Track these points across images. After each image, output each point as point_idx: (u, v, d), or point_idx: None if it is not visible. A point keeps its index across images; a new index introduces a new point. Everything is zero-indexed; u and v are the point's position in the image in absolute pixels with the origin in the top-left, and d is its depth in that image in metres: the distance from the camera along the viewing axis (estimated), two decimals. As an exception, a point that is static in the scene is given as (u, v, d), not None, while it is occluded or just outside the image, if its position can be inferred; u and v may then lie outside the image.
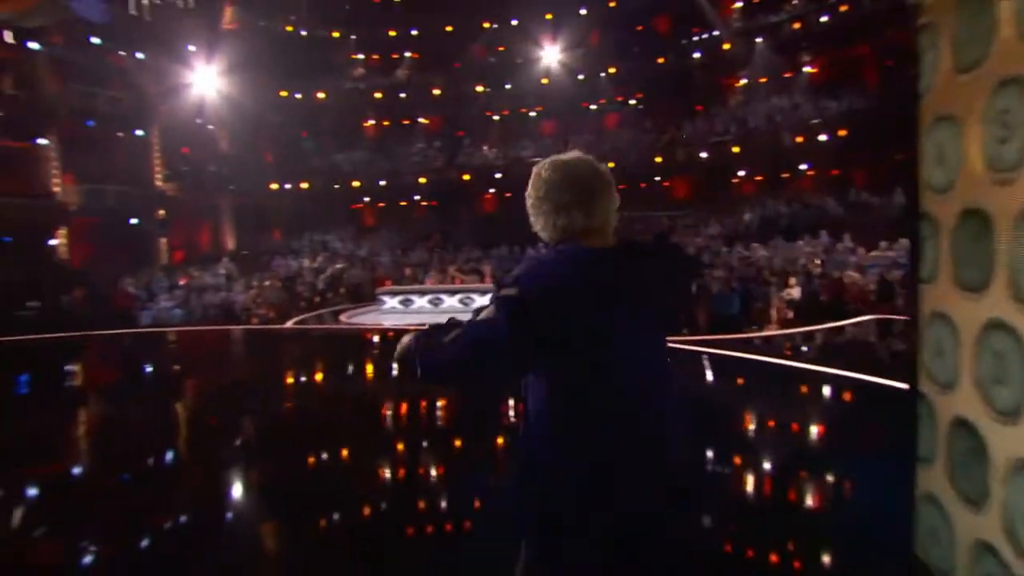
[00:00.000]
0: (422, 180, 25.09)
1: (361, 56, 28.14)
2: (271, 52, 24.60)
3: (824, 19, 19.12)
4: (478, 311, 1.23)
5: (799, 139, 20.05)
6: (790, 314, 10.66)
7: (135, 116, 19.62)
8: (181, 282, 15.57)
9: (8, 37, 16.03)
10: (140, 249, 19.80)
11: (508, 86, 26.13)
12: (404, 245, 22.98)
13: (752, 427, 5.31)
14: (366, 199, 27.68)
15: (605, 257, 1.24)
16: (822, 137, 19.76)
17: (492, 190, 27.54)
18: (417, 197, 28.23)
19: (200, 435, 5.69)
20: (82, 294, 15.53)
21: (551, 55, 25.45)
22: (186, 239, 22.70)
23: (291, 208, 25.49)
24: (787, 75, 22.61)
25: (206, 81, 21.89)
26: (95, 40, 18.31)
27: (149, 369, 9.91)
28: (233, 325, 13.53)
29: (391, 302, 14.36)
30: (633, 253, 1.27)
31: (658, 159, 22.44)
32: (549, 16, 25.35)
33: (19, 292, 15.56)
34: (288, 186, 23.69)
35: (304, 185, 24.07)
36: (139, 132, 20.06)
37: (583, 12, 25.08)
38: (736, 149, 20.92)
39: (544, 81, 25.22)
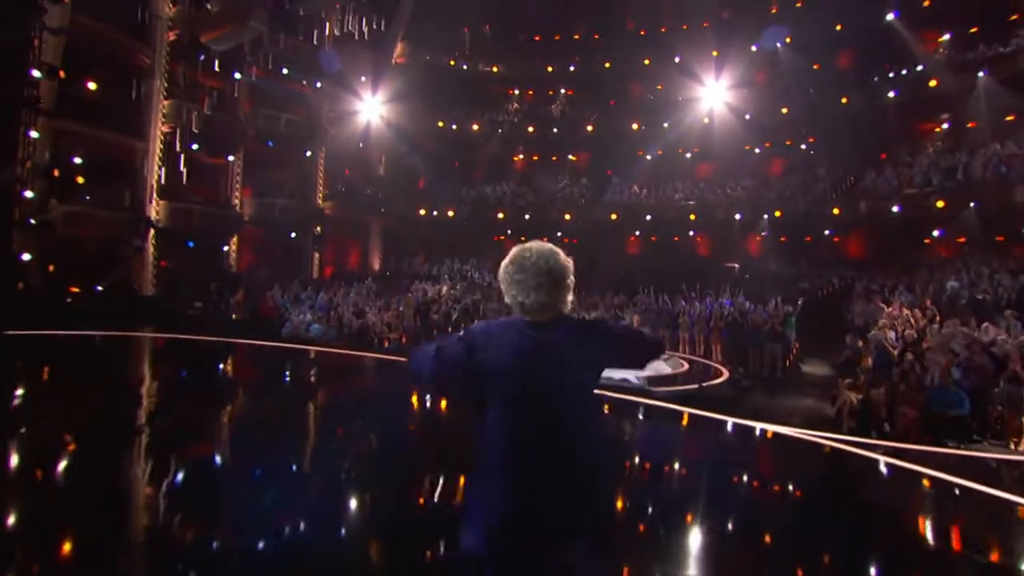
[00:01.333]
0: (567, 216, 24.37)
1: (516, 91, 28.59)
2: (433, 84, 25.73)
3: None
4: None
5: (1012, 197, 16.20)
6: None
7: (307, 138, 21.24)
8: (324, 298, 15.98)
9: (216, 66, 18.10)
10: (295, 261, 21.14)
11: (666, 125, 24.78)
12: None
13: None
14: (508, 231, 27.61)
15: (535, 329, 1.70)
16: None
17: (638, 232, 26.20)
18: (559, 233, 27.64)
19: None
20: (242, 298, 16.62)
21: (715, 93, 23.76)
22: (337, 256, 23.98)
23: (435, 234, 26.11)
24: (1009, 118, 18.81)
25: (372, 109, 23.26)
26: (285, 71, 20.13)
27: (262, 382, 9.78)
28: (365, 347, 13.37)
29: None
30: (560, 326, 1.73)
31: (836, 211, 19.54)
32: (715, 53, 23.77)
33: (192, 292, 17.11)
34: (435, 213, 24.23)
35: (451, 213, 24.44)
36: (308, 153, 21.63)
37: (754, 49, 23.15)
38: (940, 204, 17.51)
39: (705, 120, 23.49)
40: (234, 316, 16.29)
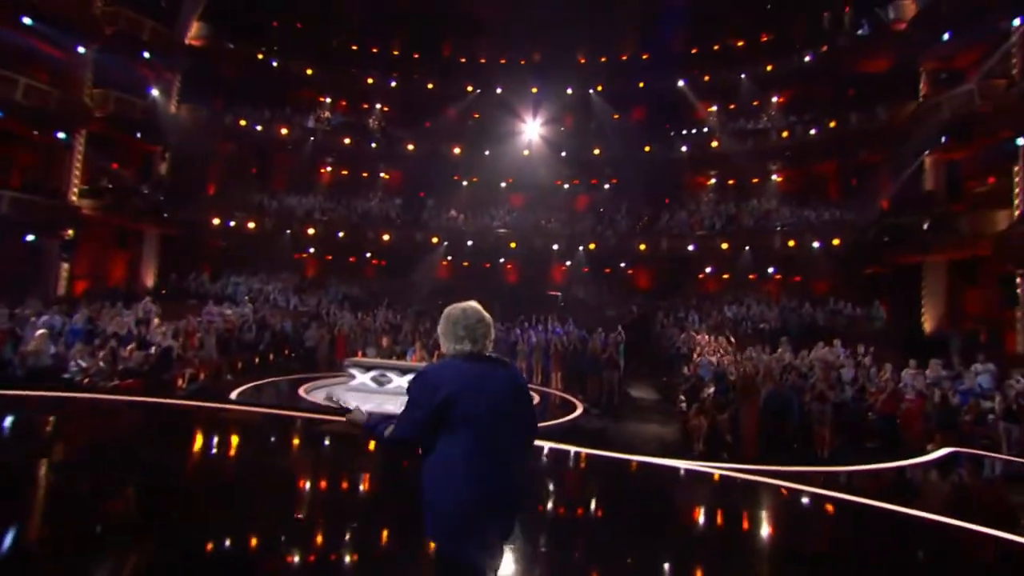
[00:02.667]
0: (386, 236, 22.91)
1: (329, 99, 26.45)
2: (235, 77, 22.41)
3: (812, 132, 19.66)
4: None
5: (772, 243, 19.96)
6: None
7: (60, 115, 16.40)
8: (77, 322, 12.12)
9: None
10: (32, 274, 16.05)
11: (487, 153, 25.09)
12: (356, 306, 20.42)
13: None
14: (311, 249, 25.03)
15: (485, 366, 2.17)
16: (792, 243, 19.71)
17: (450, 257, 25.90)
18: (368, 254, 26.01)
19: None
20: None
21: (531, 128, 24.89)
22: (94, 268, 18.94)
23: (227, 248, 22.45)
24: (755, 180, 23.16)
25: (160, 92, 19.21)
26: (27, 21, 15.36)
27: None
28: (153, 389, 10.39)
29: (361, 377, 11.76)
30: (488, 362, 2.20)
31: (642, 246, 21.67)
32: (535, 90, 25.01)
33: None
34: (233, 223, 20.71)
35: (251, 225, 21.14)
36: (61, 134, 16.77)
37: (569, 91, 24.92)
38: (724, 245, 20.47)
39: (524, 153, 24.37)
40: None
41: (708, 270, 23.39)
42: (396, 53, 27.71)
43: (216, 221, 20.24)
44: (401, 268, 25.04)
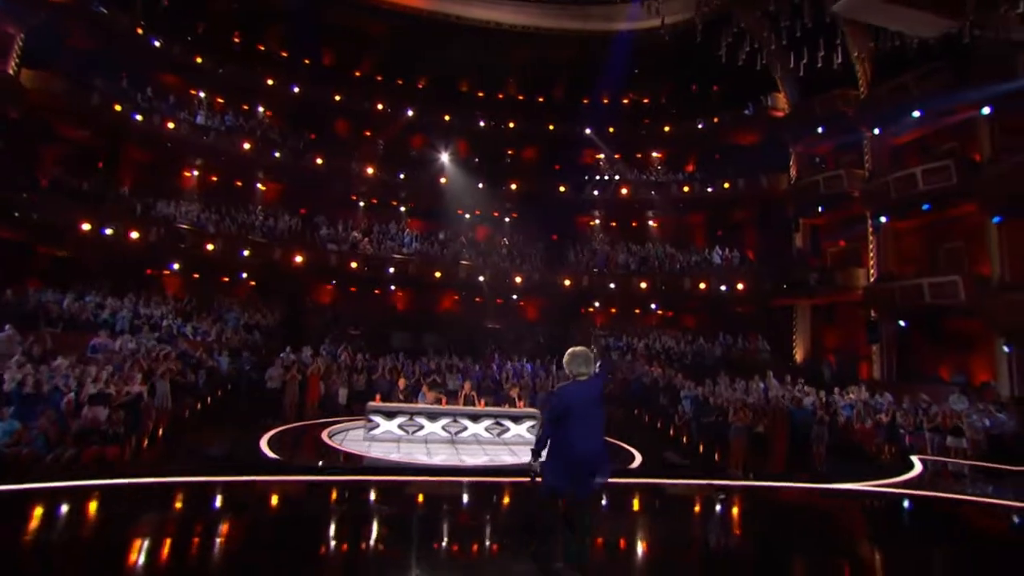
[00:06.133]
0: (299, 258, 20.15)
1: (203, 93, 22.59)
2: (97, 50, 17.97)
3: (709, 190, 22.81)
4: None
5: (683, 284, 22.32)
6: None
7: None
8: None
9: None
10: None
11: (401, 176, 23.79)
12: (265, 336, 17.61)
13: None
14: (176, 265, 20.81)
15: (587, 383, 4.01)
16: (703, 285, 22.05)
17: (334, 281, 23.83)
18: (244, 274, 22.54)
19: None
20: None
21: (440, 156, 24.43)
22: None
23: (64, 259, 17.55)
24: (634, 224, 25.89)
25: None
26: None
27: None
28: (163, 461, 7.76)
29: (386, 424, 10.29)
30: (589, 380, 4.04)
31: (568, 281, 22.54)
32: (447, 117, 24.60)
33: None
34: (108, 231, 16.18)
35: (135, 234, 16.79)
36: None
37: (482, 124, 25.11)
38: (643, 284, 22.12)
39: (443, 180, 23.76)
40: None
41: (596, 304, 25.28)
42: (285, 55, 24.94)
43: (87, 227, 15.65)
44: (274, 291, 21.93)
